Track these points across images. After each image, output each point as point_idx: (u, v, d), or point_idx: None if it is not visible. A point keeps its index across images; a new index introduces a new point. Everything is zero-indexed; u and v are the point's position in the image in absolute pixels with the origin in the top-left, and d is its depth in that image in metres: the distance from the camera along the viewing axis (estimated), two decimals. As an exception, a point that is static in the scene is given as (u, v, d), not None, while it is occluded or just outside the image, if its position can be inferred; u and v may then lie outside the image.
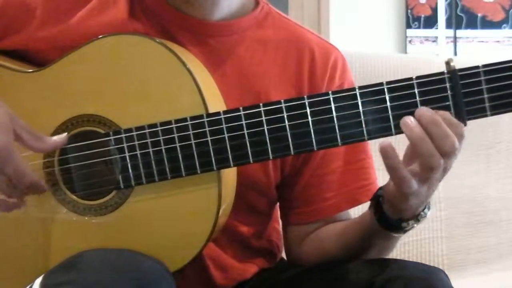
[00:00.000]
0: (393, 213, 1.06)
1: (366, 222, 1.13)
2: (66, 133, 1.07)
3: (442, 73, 0.98)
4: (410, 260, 1.61)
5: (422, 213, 1.07)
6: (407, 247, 1.73)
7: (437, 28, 2.59)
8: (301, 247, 1.25)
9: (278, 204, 1.28)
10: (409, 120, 0.98)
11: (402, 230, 1.08)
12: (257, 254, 1.26)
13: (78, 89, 1.10)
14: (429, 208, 1.07)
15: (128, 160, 1.06)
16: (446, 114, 0.98)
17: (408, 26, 2.65)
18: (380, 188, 1.09)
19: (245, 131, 1.02)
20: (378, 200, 1.09)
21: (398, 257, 1.54)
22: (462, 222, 1.76)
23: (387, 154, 0.98)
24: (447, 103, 0.98)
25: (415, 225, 1.08)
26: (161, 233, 1.08)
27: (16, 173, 1.00)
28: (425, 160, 0.98)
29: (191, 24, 1.17)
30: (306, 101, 1.01)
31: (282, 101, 1.02)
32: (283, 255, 1.32)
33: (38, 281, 0.99)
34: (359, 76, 1.79)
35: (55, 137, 1.06)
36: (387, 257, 1.18)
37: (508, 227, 1.76)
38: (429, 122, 0.97)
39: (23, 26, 1.14)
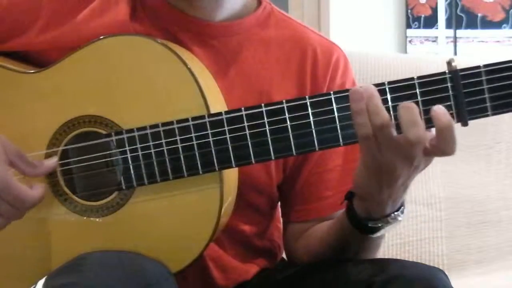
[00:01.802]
0: (362, 210, 1.06)
1: (341, 221, 1.13)
2: (56, 156, 1.08)
3: (443, 73, 0.98)
4: (410, 260, 1.61)
5: (392, 214, 1.06)
6: (407, 247, 1.72)
7: (437, 28, 2.58)
8: (295, 245, 1.25)
9: (279, 203, 1.28)
10: (358, 92, 0.97)
11: (370, 230, 1.08)
12: (259, 254, 1.26)
13: (79, 90, 1.10)
14: (402, 212, 1.07)
15: (129, 161, 1.06)
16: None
17: (408, 26, 2.64)
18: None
19: (247, 132, 1.02)
20: (350, 197, 1.08)
21: (398, 257, 1.54)
22: (462, 222, 1.76)
23: (354, 97, 0.97)
24: (449, 103, 0.98)
25: (386, 227, 1.07)
26: (163, 234, 1.08)
27: (17, 201, 1.02)
28: (358, 131, 0.97)
29: (193, 25, 1.17)
30: (308, 101, 1.01)
31: (284, 101, 1.02)
32: (284, 255, 1.32)
33: (41, 282, 0.99)
34: (359, 76, 1.79)
35: (46, 162, 1.08)
36: (386, 257, 1.18)
37: (508, 227, 1.76)
38: (401, 106, 0.96)
39: (26, 28, 1.14)
